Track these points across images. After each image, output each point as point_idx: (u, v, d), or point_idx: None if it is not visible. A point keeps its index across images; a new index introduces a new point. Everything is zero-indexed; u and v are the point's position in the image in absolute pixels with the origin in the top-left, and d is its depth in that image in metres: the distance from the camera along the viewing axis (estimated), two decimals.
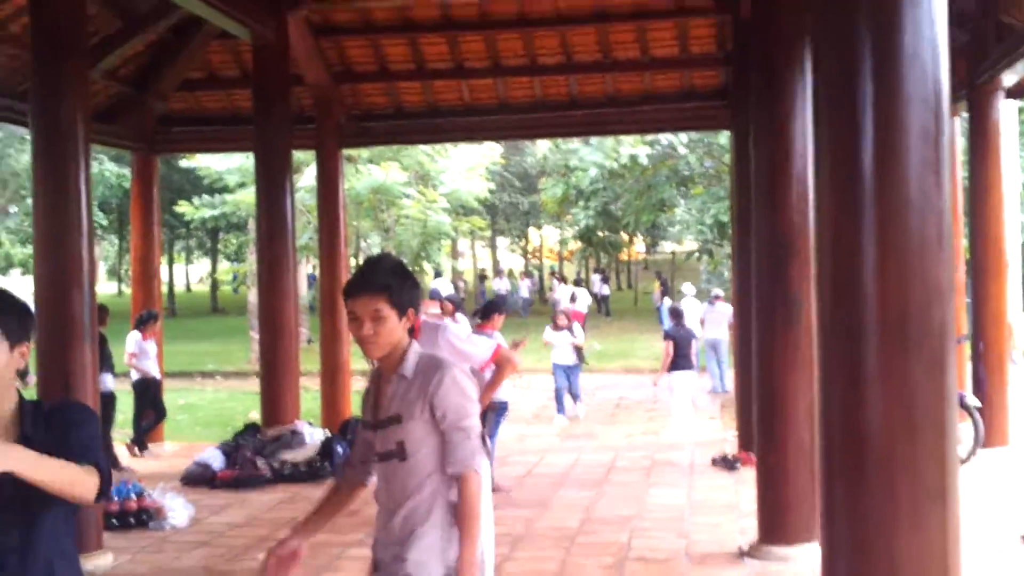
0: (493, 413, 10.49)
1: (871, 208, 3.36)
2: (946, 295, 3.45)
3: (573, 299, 24.93)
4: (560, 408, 16.51)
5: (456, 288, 38.00)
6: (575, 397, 16.83)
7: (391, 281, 3.44)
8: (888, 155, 3.33)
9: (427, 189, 22.09)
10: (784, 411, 7.08)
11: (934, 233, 3.37)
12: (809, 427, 6.92)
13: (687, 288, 22.53)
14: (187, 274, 57.14)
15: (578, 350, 16.51)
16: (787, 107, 6.85)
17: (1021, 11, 10.05)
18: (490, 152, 24.86)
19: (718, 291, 19.93)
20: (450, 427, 3.44)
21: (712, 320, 18.82)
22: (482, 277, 38.91)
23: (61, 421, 2.90)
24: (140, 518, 8.83)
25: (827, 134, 3.50)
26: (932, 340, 3.42)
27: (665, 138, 25.59)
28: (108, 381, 11.52)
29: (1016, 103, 16.21)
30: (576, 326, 16.83)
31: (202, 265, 54.85)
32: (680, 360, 13.54)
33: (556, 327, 16.29)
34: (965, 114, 11.67)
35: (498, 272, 39.30)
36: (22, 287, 35.42)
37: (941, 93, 3.34)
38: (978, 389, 11.04)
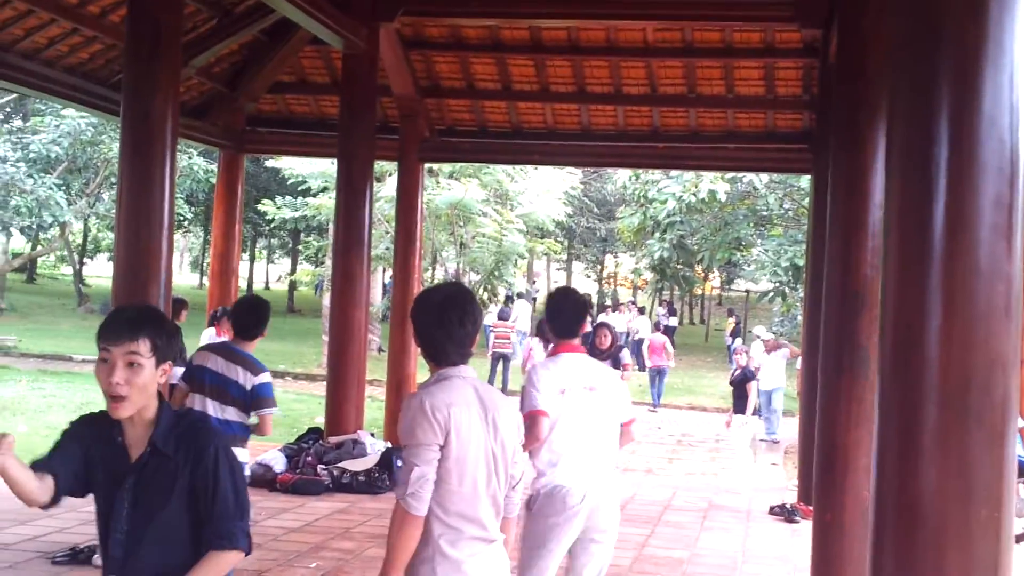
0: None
1: (938, 273, 3.25)
2: (1010, 367, 3.33)
3: (658, 328, 23.26)
4: None
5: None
6: None
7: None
8: (959, 221, 3.22)
9: (504, 209, 22.11)
10: (844, 467, 6.79)
11: (1002, 302, 3.25)
12: (869, 486, 6.66)
13: (759, 331, 22.04)
14: (267, 272, 57.84)
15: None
16: (868, 159, 6.66)
17: None
18: (570, 177, 24.82)
19: (768, 336, 19.06)
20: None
21: (770, 367, 17.72)
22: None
23: (197, 455, 3.07)
24: None
25: (898, 195, 3.39)
26: (993, 412, 3.29)
27: (745, 176, 25.29)
28: (180, 373, 11.66)
29: None
30: (626, 352, 12.94)
31: (283, 264, 55.47)
32: (737, 403, 13.38)
33: (598, 350, 11.33)
34: None
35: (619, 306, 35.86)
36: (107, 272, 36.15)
37: (1017, 160, 3.24)
38: None
